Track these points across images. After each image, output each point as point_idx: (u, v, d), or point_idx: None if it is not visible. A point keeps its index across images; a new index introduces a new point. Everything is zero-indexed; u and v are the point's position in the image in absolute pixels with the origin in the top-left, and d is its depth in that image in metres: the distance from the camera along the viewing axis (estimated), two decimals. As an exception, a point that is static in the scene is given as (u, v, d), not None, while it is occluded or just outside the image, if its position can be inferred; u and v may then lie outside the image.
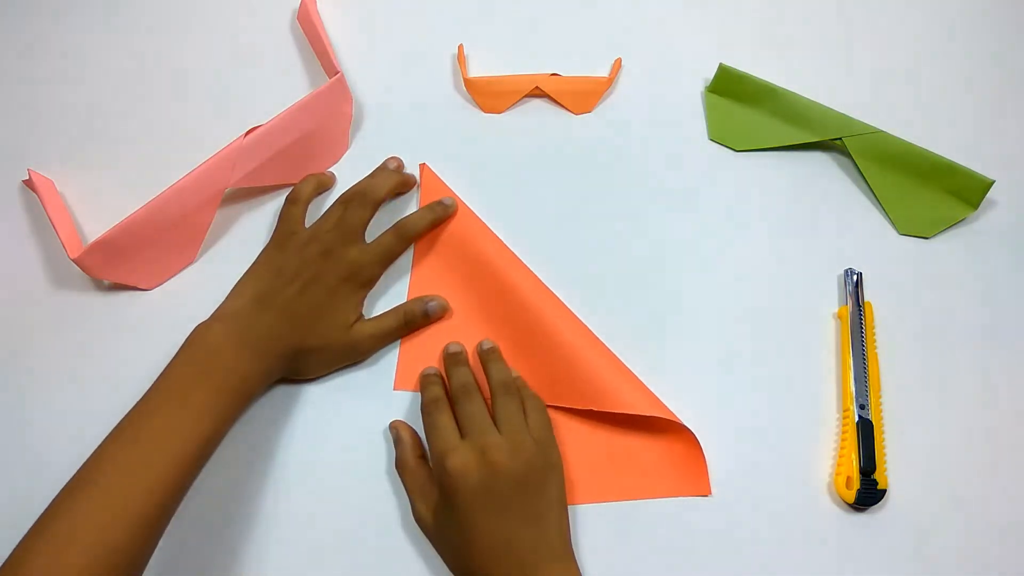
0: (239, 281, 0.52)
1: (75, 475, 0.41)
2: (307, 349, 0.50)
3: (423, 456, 0.49)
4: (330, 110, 0.59)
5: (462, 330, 0.53)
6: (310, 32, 0.65)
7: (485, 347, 0.52)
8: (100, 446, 0.42)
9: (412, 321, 0.52)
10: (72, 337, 0.53)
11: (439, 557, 0.46)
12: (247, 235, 0.57)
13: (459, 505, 0.44)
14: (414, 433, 0.49)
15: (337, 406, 0.51)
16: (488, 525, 0.43)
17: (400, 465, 0.48)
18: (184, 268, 0.56)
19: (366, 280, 0.53)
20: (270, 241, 0.54)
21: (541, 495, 0.44)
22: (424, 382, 0.51)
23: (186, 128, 0.61)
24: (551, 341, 0.51)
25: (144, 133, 0.61)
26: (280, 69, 0.64)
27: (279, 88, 0.62)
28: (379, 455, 0.50)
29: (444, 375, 0.51)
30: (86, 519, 0.39)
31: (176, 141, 0.61)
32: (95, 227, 0.55)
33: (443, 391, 0.50)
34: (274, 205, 0.58)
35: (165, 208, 0.53)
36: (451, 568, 0.45)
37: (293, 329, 0.49)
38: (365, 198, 0.55)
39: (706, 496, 0.48)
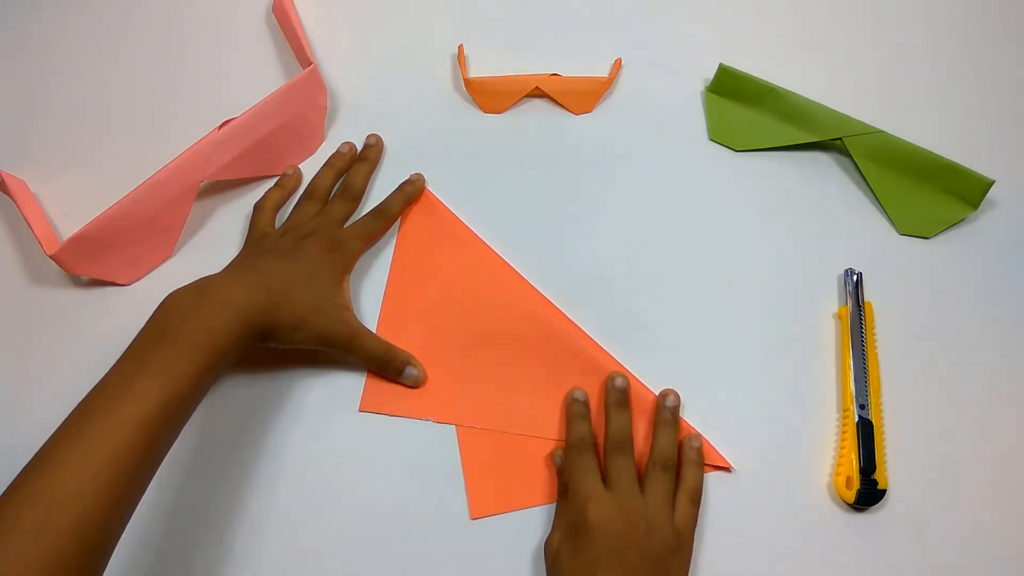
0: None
1: (32, 458, 0.38)
2: (286, 313, 0.47)
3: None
4: (304, 101, 0.59)
5: (440, 343, 0.53)
6: (285, 24, 0.65)
7: (667, 404, 0.49)
8: (60, 425, 0.40)
9: (386, 368, 0.51)
10: (51, 334, 0.53)
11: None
12: (224, 228, 0.57)
13: (588, 553, 0.42)
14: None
15: (301, 426, 0.50)
16: None
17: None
18: (162, 262, 0.56)
19: (349, 253, 0.53)
20: (243, 247, 0.55)
21: None
22: (573, 412, 0.49)
23: (160, 121, 0.61)
24: (540, 351, 0.51)
25: (117, 128, 0.61)
26: (255, 62, 0.64)
27: (254, 81, 0.62)
28: (343, 475, 0.49)
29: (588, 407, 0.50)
30: (38, 480, 0.36)
31: (150, 135, 0.61)
32: (71, 225, 0.54)
33: (590, 429, 0.48)
34: (251, 198, 0.58)
35: (141, 202, 0.53)
36: None
37: (267, 289, 0.47)
38: (347, 192, 0.56)
39: (728, 470, 0.48)
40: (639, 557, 0.42)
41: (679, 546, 0.44)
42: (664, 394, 0.50)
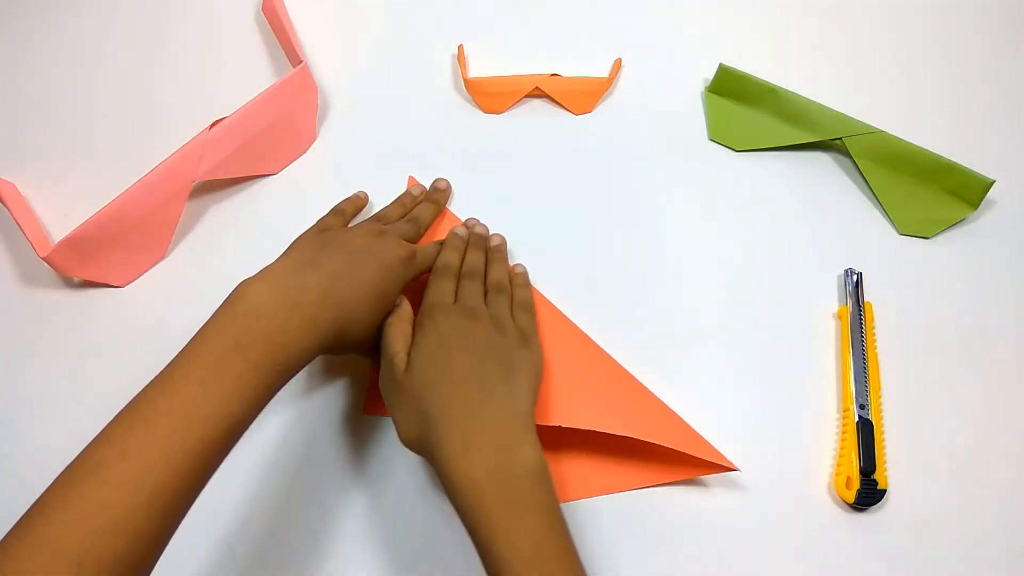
0: (281, 255, 0.46)
1: (75, 459, 0.35)
2: (355, 334, 0.45)
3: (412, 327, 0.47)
4: (295, 100, 0.59)
5: None
6: (275, 23, 0.65)
7: (493, 243, 0.54)
8: (108, 425, 0.36)
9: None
10: (45, 336, 0.53)
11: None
12: (217, 228, 0.57)
13: (437, 343, 0.44)
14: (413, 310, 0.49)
15: (304, 429, 0.50)
16: (463, 359, 0.43)
17: (391, 323, 0.46)
18: (156, 263, 0.56)
19: (416, 271, 0.49)
20: (308, 230, 0.50)
21: (514, 366, 0.44)
22: (449, 242, 0.52)
23: (150, 122, 0.62)
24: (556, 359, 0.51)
25: (107, 129, 0.61)
26: (246, 61, 0.64)
27: (245, 80, 0.62)
28: (345, 477, 0.49)
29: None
30: (86, 501, 0.33)
31: (140, 135, 0.61)
32: (62, 228, 0.53)
33: (459, 261, 0.51)
34: (243, 197, 0.58)
35: (133, 203, 0.52)
36: (408, 427, 0.43)
37: (344, 307, 0.43)
38: (416, 222, 0.54)
39: (735, 471, 0.48)
40: (486, 343, 0.44)
41: (526, 342, 0.46)
42: (491, 237, 0.55)
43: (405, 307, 0.48)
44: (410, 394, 0.43)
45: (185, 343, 0.39)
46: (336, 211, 0.54)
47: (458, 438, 0.40)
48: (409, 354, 0.44)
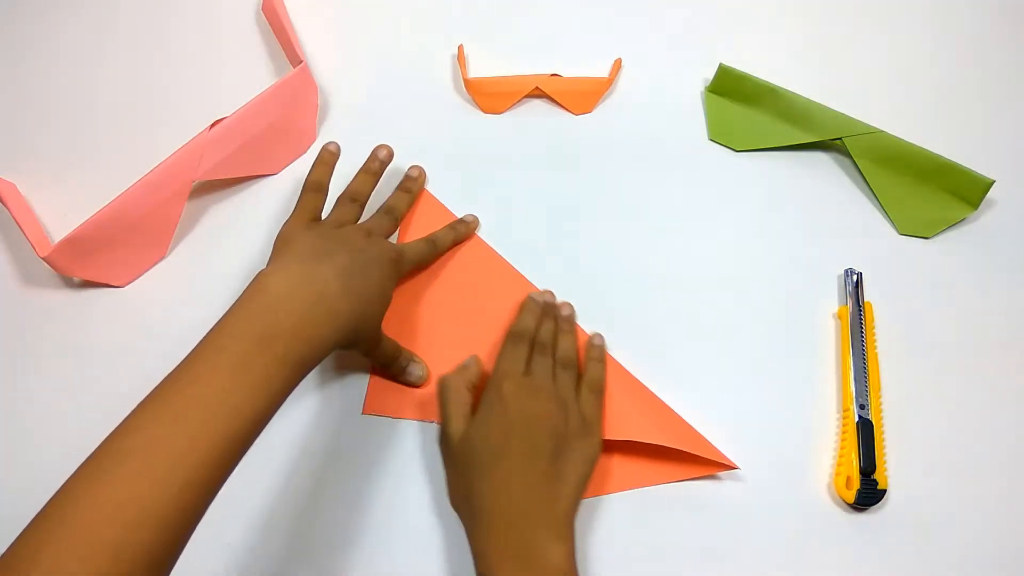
0: (280, 251, 0.46)
1: (100, 446, 0.35)
2: (369, 331, 0.46)
3: (473, 389, 0.48)
4: (295, 100, 0.59)
5: (442, 345, 0.52)
6: (275, 23, 0.65)
7: (564, 313, 0.52)
8: (134, 413, 0.36)
9: (391, 365, 0.50)
10: (45, 336, 0.53)
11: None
12: (217, 228, 0.57)
13: (500, 427, 0.44)
14: (483, 370, 0.49)
15: (305, 429, 0.50)
16: (511, 460, 0.43)
17: (450, 383, 0.47)
18: (156, 263, 0.56)
19: (404, 271, 0.51)
20: (293, 221, 0.49)
21: (568, 460, 0.44)
22: (526, 306, 0.51)
23: (150, 122, 0.62)
24: None
25: (107, 129, 0.61)
26: (246, 61, 0.65)
27: (245, 80, 0.62)
28: (346, 477, 0.49)
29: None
30: (118, 492, 0.33)
31: (140, 135, 0.61)
32: (62, 228, 0.53)
33: (535, 327, 0.50)
34: (243, 197, 0.58)
35: (133, 203, 0.52)
36: (456, 496, 0.45)
37: (363, 300, 0.44)
38: (393, 213, 0.54)
39: (735, 469, 0.48)
40: (546, 432, 0.44)
41: (587, 430, 0.46)
42: (561, 306, 0.53)
43: (472, 369, 0.49)
44: (460, 465, 0.45)
45: (185, 343, 0.39)
46: (313, 187, 0.52)
47: (491, 538, 0.41)
48: (470, 421, 0.45)
